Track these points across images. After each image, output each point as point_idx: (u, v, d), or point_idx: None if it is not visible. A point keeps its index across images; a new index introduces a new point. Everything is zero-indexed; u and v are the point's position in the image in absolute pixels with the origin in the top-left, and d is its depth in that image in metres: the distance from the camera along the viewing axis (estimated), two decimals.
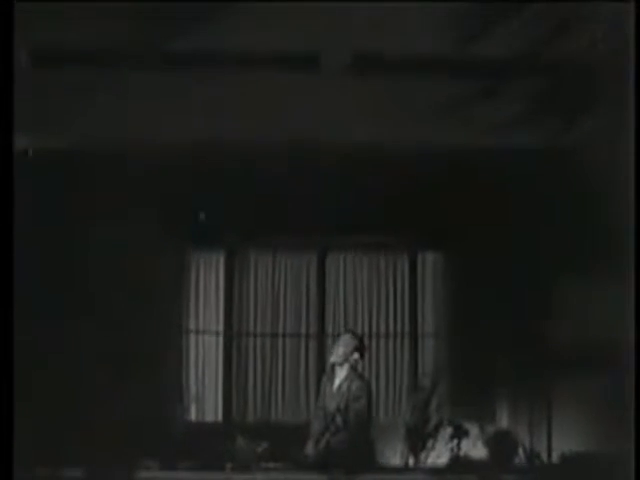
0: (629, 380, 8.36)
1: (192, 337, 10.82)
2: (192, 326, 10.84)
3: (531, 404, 10.31)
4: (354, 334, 9.54)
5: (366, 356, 9.89)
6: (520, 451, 9.68)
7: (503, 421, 10.34)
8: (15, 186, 8.60)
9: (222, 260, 10.95)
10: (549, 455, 10.01)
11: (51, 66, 9.52)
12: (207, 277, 10.95)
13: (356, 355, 9.22)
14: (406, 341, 10.80)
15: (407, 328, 10.81)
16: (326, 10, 9.17)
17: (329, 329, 10.77)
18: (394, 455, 9.73)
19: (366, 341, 10.04)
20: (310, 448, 9.13)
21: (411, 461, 9.54)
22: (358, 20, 9.27)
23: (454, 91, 9.20)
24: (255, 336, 10.85)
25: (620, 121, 8.79)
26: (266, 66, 9.42)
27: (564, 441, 9.93)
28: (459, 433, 9.44)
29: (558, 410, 10.24)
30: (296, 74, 9.52)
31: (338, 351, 9.33)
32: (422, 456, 9.54)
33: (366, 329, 10.70)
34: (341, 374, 9.22)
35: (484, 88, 9.13)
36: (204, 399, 10.82)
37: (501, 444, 9.73)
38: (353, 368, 9.20)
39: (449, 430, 9.53)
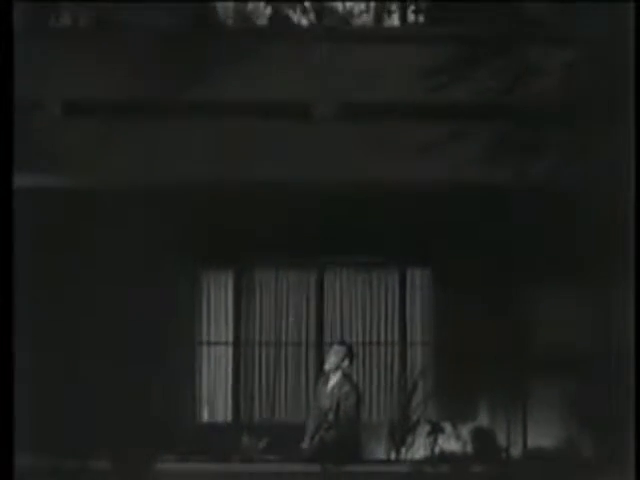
0: (628, 381, 8.67)
1: (204, 347, 11.17)
2: (204, 337, 11.19)
3: (508, 404, 10.77)
4: (344, 344, 10.34)
5: (359, 362, 10.69)
6: (495, 446, 10.41)
7: (483, 420, 10.78)
8: (54, 217, 9.70)
9: (230, 279, 11.30)
10: (521, 450, 10.57)
11: (80, 115, 10.37)
12: (217, 294, 11.31)
13: (346, 362, 10.05)
14: (395, 348, 11.14)
15: (396, 337, 11.15)
16: (316, 67, 10.13)
17: (327, 338, 11.08)
18: (379, 449, 10.46)
19: (359, 349, 10.79)
20: (306, 443, 9.93)
21: (393, 454, 10.30)
22: (343, 74, 10.17)
23: (427, 133, 9.89)
24: (260, 345, 11.23)
25: (572, 158, 9.66)
26: (263, 114, 10.24)
27: (537, 437, 10.53)
28: (436, 430, 10.23)
29: (532, 410, 10.72)
30: (290, 121, 10.33)
31: (330, 359, 10.14)
32: (403, 450, 10.29)
33: (360, 338, 11.06)
34: (334, 378, 10.02)
35: (453, 130, 9.77)
36: (215, 401, 11.23)
37: (478, 440, 10.47)
38: (344, 373, 10.02)
39: (427, 427, 10.30)
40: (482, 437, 10.62)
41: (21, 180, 9.37)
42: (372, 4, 11.06)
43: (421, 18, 11.42)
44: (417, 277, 11.29)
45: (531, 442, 10.74)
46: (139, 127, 10.28)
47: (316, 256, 11.11)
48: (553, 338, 10.65)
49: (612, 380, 10.25)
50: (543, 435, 10.62)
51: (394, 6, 11.19)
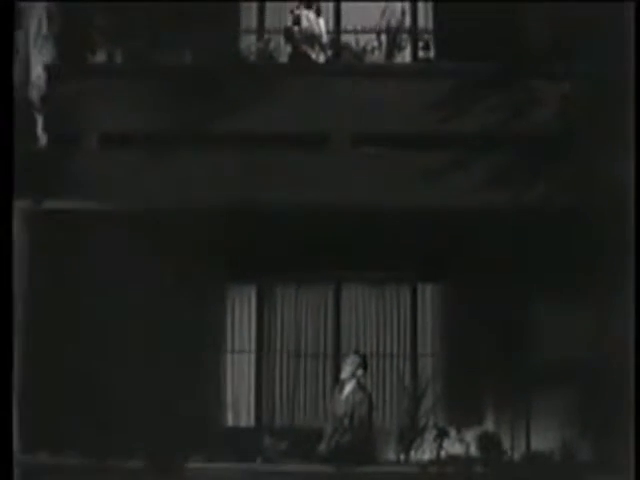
0: (628, 383, 9.15)
1: (229, 356, 11.40)
2: (230, 346, 11.41)
3: (512, 411, 11.01)
4: (359, 354, 10.64)
5: (372, 371, 10.92)
6: (499, 449, 10.69)
7: (488, 425, 11.02)
8: (95, 236, 10.23)
9: (254, 293, 11.53)
10: (520, 453, 10.79)
11: (116, 146, 10.68)
12: (242, 307, 11.52)
13: (360, 371, 10.40)
14: (406, 359, 11.34)
15: (408, 348, 11.37)
16: (332, 100, 10.47)
17: (343, 349, 11.27)
18: (389, 451, 10.75)
19: (373, 359, 11.05)
20: (323, 446, 10.27)
21: (402, 456, 10.63)
22: (357, 107, 10.45)
23: (433, 160, 10.31)
24: (281, 354, 11.41)
25: (571, 184, 10.08)
26: (284, 143, 10.57)
27: (539, 442, 10.84)
28: (441, 435, 10.57)
29: (535, 416, 10.99)
30: (308, 149, 10.65)
31: (346, 369, 10.46)
32: (411, 453, 10.62)
33: (373, 349, 11.30)
34: (349, 387, 10.36)
35: (457, 158, 10.22)
36: (239, 406, 11.38)
37: (483, 443, 10.76)
38: (358, 382, 10.36)
39: (433, 432, 10.65)
40: (486, 441, 10.81)
41: (63, 204, 10.31)
42: (384, 41, 11.13)
43: (430, 53, 11.42)
44: (427, 292, 11.50)
45: (533, 446, 10.88)
46: (170, 157, 10.45)
47: (333, 272, 11.32)
48: (554, 350, 10.83)
49: (608, 389, 10.30)
50: (544, 439, 10.75)
51: (404, 43, 11.31)
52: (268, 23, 12.05)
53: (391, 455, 10.74)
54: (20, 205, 10.07)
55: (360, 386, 10.40)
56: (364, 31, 11.58)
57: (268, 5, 12.11)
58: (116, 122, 10.60)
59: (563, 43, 10.38)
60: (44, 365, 10.60)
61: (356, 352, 10.74)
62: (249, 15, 12.11)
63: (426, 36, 11.61)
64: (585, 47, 10.27)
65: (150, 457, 9.88)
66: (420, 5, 12.00)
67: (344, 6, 12.03)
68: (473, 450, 10.67)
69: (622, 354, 9.69)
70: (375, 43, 11.21)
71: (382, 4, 11.68)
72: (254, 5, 12.12)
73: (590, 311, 10.80)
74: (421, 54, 11.52)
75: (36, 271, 10.72)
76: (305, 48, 11.14)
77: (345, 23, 11.97)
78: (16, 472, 9.55)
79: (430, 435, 10.69)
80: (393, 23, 11.35)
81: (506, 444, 10.88)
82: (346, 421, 10.23)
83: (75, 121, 10.37)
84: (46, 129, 10.57)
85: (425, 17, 11.99)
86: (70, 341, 10.70)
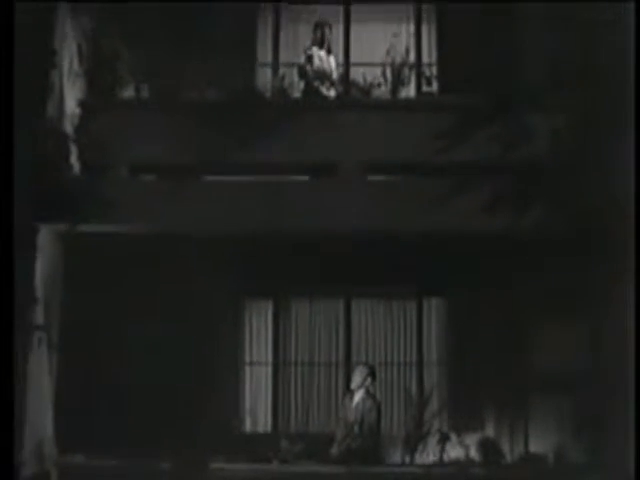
0: (621, 389, 9.65)
1: (247, 366, 11.63)
2: (247, 358, 11.66)
3: (511, 417, 11.34)
4: (367, 365, 11.08)
5: (380, 380, 11.24)
6: (497, 452, 11.12)
7: (489, 430, 11.30)
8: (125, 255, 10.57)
9: (270, 308, 11.76)
10: (518, 455, 11.17)
11: (145, 174, 11.16)
12: (259, 321, 11.76)
13: (369, 380, 10.84)
14: (412, 368, 11.58)
15: (414, 358, 11.62)
16: (342, 132, 10.86)
17: (354, 358, 11.52)
18: (395, 454, 11.06)
19: (381, 368, 11.38)
20: (335, 449, 10.73)
21: (408, 459, 10.97)
22: (365, 138, 10.82)
23: (435, 187, 10.59)
24: (296, 365, 11.65)
25: (561, 208, 10.35)
26: (298, 171, 11.02)
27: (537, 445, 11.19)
28: (443, 439, 10.96)
29: (533, 421, 11.25)
30: (320, 177, 11.12)
31: (355, 379, 10.90)
32: (416, 455, 11.00)
33: (382, 359, 11.57)
34: (358, 395, 10.81)
35: (457, 185, 10.45)
36: (257, 413, 11.59)
37: (483, 447, 11.14)
38: (367, 390, 10.81)
39: (436, 437, 11.03)
40: (486, 444, 11.19)
41: (96, 227, 10.56)
42: (389, 78, 11.33)
43: (433, 87, 11.72)
44: (432, 306, 11.77)
45: (531, 449, 11.17)
46: (194, 184, 10.84)
47: (344, 288, 11.59)
48: (550, 360, 11.06)
49: (601, 395, 10.70)
50: (542, 443, 11.08)
51: (408, 79, 11.51)
52: (282, 57, 12.29)
53: (397, 457, 11.02)
54: (57, 228, 10.53)
55: (369, 395, 10.79)
56: (371, 64, 11.74)
57: (282, 40, 12.39)
58: (144, 152, 10.79)
59: (557, 77, 10.64)
60: (79, 375, 10.89)
61: (365, 364, 11.11)
62: (265, 49, 12.37)
63: (428, 72, 11.82)
64: (577, 81, 10.58)
65: (178, 459, 10.26)
66: (424, 41, 12.23)
67: (352, 40, 12.28)
68: (473, 453, 10.99)
69: (613, 364, 10.24)
70: (381, 79, 11.38)
71: (388, 39, 11.86)
72: (269, 40, 12.38)
73: (584, 324, 11.08)
74: (424, 88, 11.75)
75: (70, 288, 11.12)
76: (317, 84, 11.42)
77: (353, 57, 12.20)
78: (55, 474, 10.23)
79: (434, 439, 10.99)
80: (398, 60, 11.51)
81: (505, 447, 11.20)
82: (356, 427, 10.62)
83: (106, 151, 10.44)
84: (80, 158, 10.73)
85: (429, 52, 12.24)
86: (102, 352, 10.95)
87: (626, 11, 10.04)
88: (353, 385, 10.90)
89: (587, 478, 10.18)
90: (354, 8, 12.41)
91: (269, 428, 11.58)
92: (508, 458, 11.21)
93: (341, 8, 12.40)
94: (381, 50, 11.78)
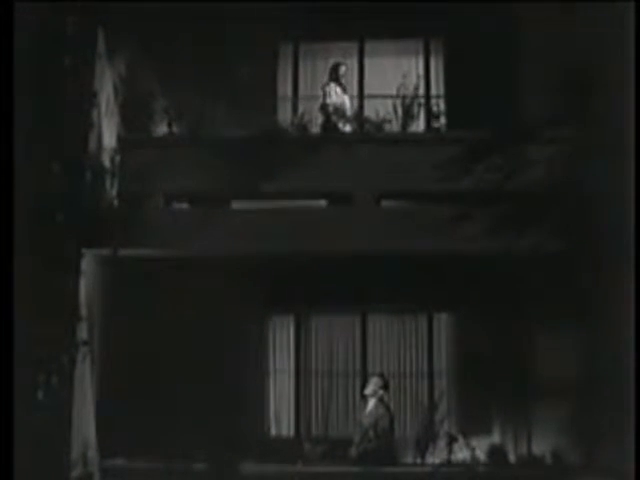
0: (619, 396, 9.83)
1: (271, 375, 12.02)
2: (271, 367, 12.04)
3: (515, 422, 11.69)
4: (381, 375, 11.49)
5: (394, 388, 11.63)
6: (501, 454, 11.51)
7: (495, 433, 11.68)
8: (161, 278, 10.92)
9: (292, 321, 12.14)
10: (521, 457, 11.52)
11: (177, 203, 11.48)
12: (282, 333, 12.15)
13: (382, 390, 11.31)
14: (423, 378, 11.94)
15: (425, 369, 11.96)
16: (357, 164, 11.17)
17: (369, 369, 11.88)
18: (407, 455, 11.49)
19: (395, 378, 11.75)
20: (352, 451, 11.18)
21: (419, 459, 11.40)
22: (378, 169, 11.14)
23: (442, 213, 10.91)
24: (316, 374, 12.03)
25: (557, 232, 10.73)
26: (317, 200, 11.29)
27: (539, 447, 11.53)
28: (451, 441, 11.37)
29: (535, 426, 11.59)
30: (337, 205, 11.41)
31: (369, 388, 11.34)
32: (426, 456, 11.42)
33: (395, 369, 11.92)
34: (372, 402, 11.30)
35: (463, 211, 10.80)
36: (281, 418, 11.97)
37: (489, 448, 11.57)
38: (380, 399, 11.26)
39: (445, 439, 11.47)
40: (492, 447, 11.58)
41: (134, 252, 10.95)
42: (400, 114, 11.65)
43: (441, 121, 11.95)
44: (442, 321, 12.12)
45: (534, 451, 11.51)
46: (222, 212, 11.17)
47: (360, 304, 11.91)
48: (552, 369, 11.34)
49: (600, 401, 10.88)
50: (543, 446, 11.41)
51: (417, 114, 11.80)
52: (301, 90, 12.68)
53: (409, 458, 11.40)
54: (99, 253, 10.98)
55: (381, 402, 11.20)
56: (383, 96, 12.04)
57: (301, 74, 12.76)
58: (177, 183, 11.11)
59: (554, 111, 10.84)
60: (119, 386, 11.29)
61: (380, 375, 11.49)
62: (285, 84, 12.74)
63: (435, 109, 12.14)
64: (572, 114, 10.89)
65: (210, 461, 10.67)
66: (432, 74, 12.59)
67: (366, 74, 12.64)
68: (479, 454, 11.35)
69: (612, 372, 10.37)
70: (392, 115, 11.70)
71: (400, 72, 12.22)
72: (289, 75, 12.76)
73: (583, 336, 11.31)
74: (433, 122, 12.06)
75: (111, 307, 11.55)
76: (334, 120, 11.80)
77: (367, 89, 12.54)
78: (98, 475, 10.68)
79: (442, 441, 11.40)
80: (407, 98, 11.77)
81: (508, 449, 11.58)
82: (371, 432, 11.02)
83: (143, 182, 10.80)
84: (119, 189, 11.10)
85: (436, 85, 12.60)
86: (141, 364, 11.31)
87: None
88: (367, 393, 11.30)
89: (587, 478, 10.49)
90: (368, 45, 12.82)
91: (292, 432, 11.92)
92: (511, 459, 11.57)
93: (356, 45, 12.80)
94: (392, 82, 12.01)
